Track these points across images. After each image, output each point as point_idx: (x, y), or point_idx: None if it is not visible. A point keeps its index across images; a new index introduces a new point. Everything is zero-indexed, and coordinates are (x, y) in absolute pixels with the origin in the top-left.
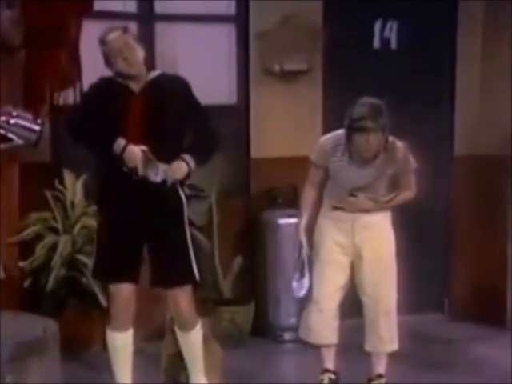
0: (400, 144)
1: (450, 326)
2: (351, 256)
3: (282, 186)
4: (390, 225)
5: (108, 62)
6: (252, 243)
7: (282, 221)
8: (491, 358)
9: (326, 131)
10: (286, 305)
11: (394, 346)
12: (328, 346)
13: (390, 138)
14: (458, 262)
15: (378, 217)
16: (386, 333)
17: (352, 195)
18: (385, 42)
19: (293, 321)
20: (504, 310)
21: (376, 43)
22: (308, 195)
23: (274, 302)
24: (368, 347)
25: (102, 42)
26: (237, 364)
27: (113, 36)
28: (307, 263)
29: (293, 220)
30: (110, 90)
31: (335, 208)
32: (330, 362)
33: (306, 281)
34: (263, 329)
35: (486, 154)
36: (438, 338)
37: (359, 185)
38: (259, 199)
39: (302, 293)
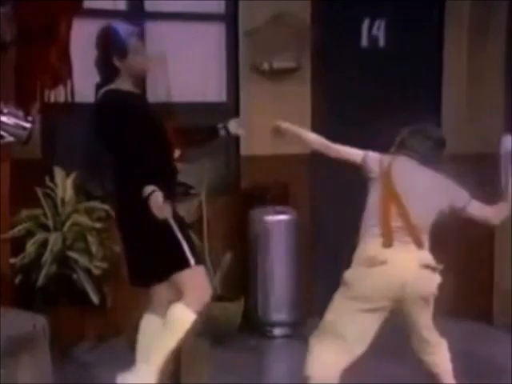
0: None
1: (439, 322)
2: None
3: (272, 183)
4: None
5: (124, 56)
6: (242, 240)
7: (272, 218)
8: (478, 354)
9: (314, 129)
10: (275, 301)
11: None
12: None
13: None
14: (446, 259)
15: None
16: None
17: None
18: (373, 40)
19: (282, 316)
20: (491, 307)
21: (364, 42)
22: None
23: (264, 298)
24: None
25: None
26: (226, 359)
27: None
28: None
29: (282, 217)
30: (132, 105)
31: None
32: None
33: None
34: (253, 324)
35: (472, 153)
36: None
37: None
38: (249, 196)
39: None
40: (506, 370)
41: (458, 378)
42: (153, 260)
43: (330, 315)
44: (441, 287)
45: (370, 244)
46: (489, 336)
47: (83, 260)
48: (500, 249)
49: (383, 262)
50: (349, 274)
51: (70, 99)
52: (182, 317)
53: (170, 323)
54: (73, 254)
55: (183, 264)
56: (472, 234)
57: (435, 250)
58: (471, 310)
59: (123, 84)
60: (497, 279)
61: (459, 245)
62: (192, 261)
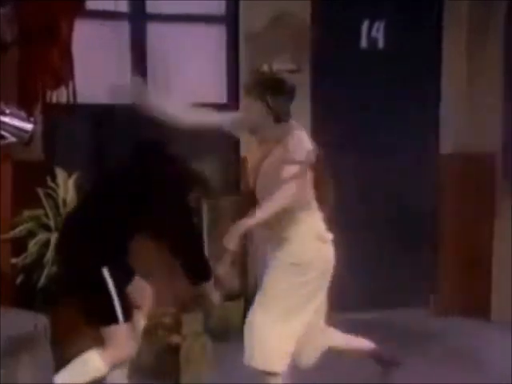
0: None
1: (435, 320)
2: None
3: None
4: None
5: None
6: (242, 240)
7: None
8: (476, 350)
9: (314, 130)
10: None
11: None
12: None
13: None
14: (444, 257)
15: None
16: None
17: None
18: (372, 42)
19: None
20: (489, 304)
21: (363, 43)
22: None
23: None
24: None
25: None
26: (227, 358)
27: None
28: None
29: None
30: None
31: None
32: None
33: None
34: None
35: (471, 153)
36: (424, 332)
37: None
38: (249, 197)
39: None
40: (504, 366)
41: (456, 374)
42: None
43: (280, 303)
44: (439, 285)
45: (317, 219)
46: (486, 332)
47: None
48: (499, 246)
49: (327, 240)
50: (303, 255)
51: (71, 100)
52: (93, 365)
53: (79, 363)
54: None
55: (111, 319)
56: (471, 234)
57: (437, 249)
58: (469, 306)
59: None
60: (495, 275)
61: (459, 243)
62: (121, 318)
